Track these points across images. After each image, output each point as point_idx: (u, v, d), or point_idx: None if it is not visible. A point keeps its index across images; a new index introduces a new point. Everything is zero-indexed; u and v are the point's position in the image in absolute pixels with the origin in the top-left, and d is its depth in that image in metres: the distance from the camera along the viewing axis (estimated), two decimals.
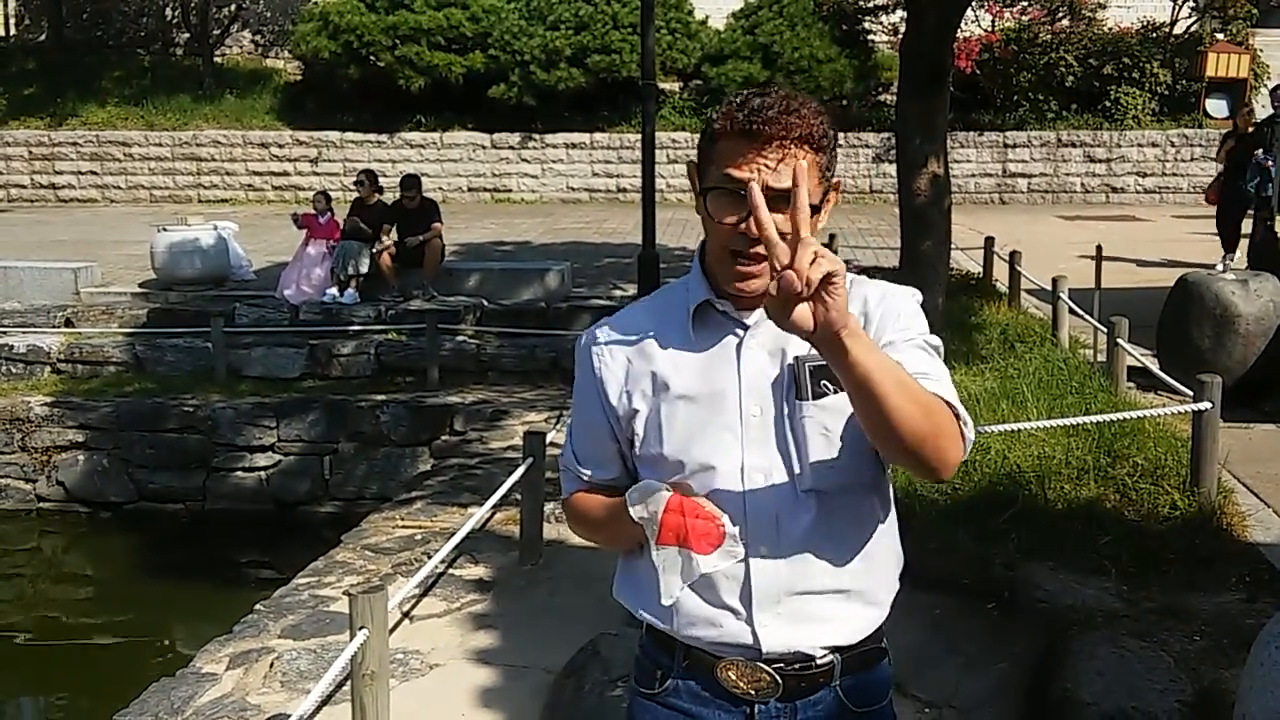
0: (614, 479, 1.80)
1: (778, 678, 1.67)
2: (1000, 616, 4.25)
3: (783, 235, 1.42)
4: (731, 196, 1.59)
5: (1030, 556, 4.57)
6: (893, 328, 1.65)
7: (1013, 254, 9.86)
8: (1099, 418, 5.44)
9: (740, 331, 1.68)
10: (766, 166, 1.57)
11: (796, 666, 1.67)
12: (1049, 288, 8.49)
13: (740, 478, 1.65)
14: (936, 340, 1.68)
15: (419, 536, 5.70)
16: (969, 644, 4.07)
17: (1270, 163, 10.46)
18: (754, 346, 1.67)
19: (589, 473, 1.81)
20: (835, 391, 1.61)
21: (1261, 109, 18.37)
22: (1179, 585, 4.33)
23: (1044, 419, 5.55)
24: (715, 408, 1.66)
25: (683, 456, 1.67)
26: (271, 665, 4.24)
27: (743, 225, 1.57)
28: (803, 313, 1.41)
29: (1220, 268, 10.09)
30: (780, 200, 1.52)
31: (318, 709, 3.76)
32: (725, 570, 1.64)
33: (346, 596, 3.45)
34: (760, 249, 1.53)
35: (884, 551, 1.73)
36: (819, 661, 1.68)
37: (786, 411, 1.64)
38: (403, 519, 6.05)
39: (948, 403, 1.57)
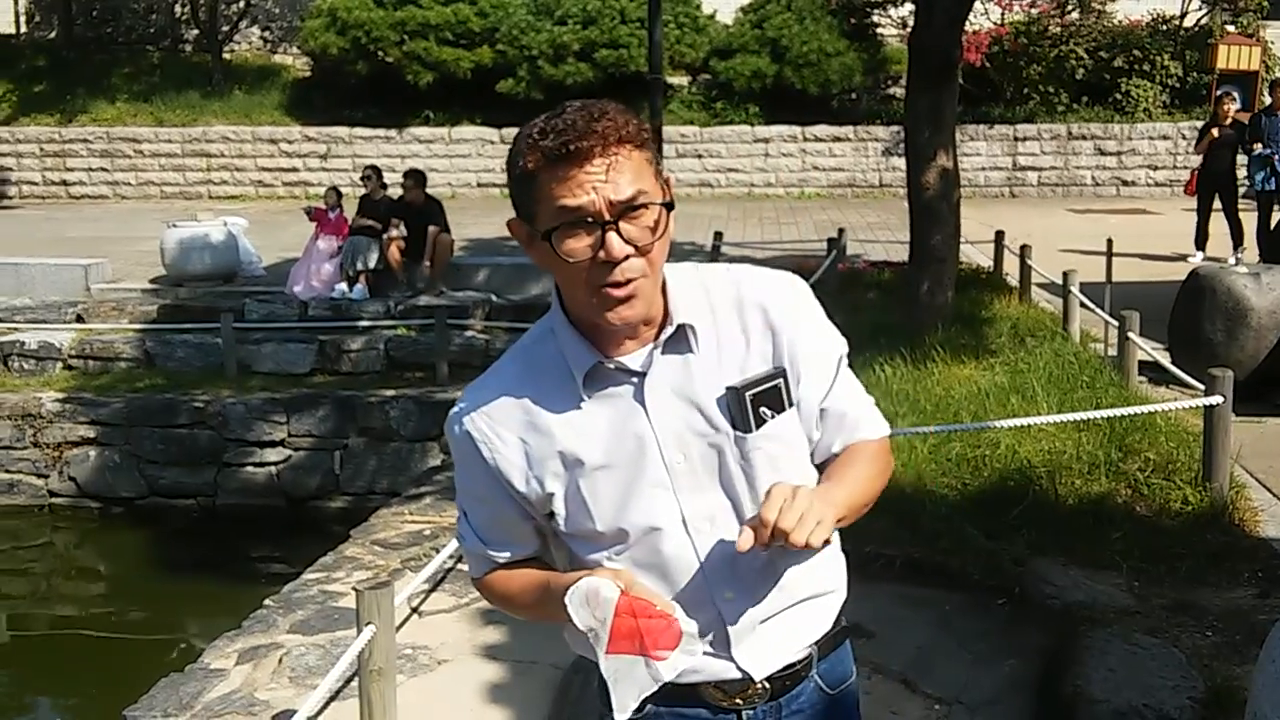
0: (532, 553, 1.68)
1: (766, 684, 1.66)
2: (1010, 612, 4.23)
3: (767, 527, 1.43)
4: (575, 228, 1.45)
5: (1040, 552, 4.55)
6: (812, 353, 1.59)
7: (1023, 247, 9.81)
8: (1110, 412, 5.41)
9: (635, 380, 1.55)
10: (599, 182, 1.43)
11: (782, 670, 1.66)
12: (1059, 281, 8.46)
13: (685, 530, 1.56)
14: (839, 340, 1.66)
15: (428, 531, 5.70)
16: (979, 640, 4.06)
17: (1276, 155, 10.41)
18: (655, 390, 1.54)
19: (502, 554, 1.67)
20: (774, 416, 1.55)
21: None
22: (1191, 581, 4.31)
23: (1054, 414, 5.53)
24: (637, 468, 1.54)
25: (618, 526, 1.56)
26: (280, 661, 4.24)
27: (600, 252, 1.44)
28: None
29: (1233, 260, 10.05)
30: (628, 211, 1.44)
31: (325, 704, 3.76)
32: (699, 627, 1.57)
33: (355, 592, 3.45)
34: (626, 268, 1.45)
35: (832, 538, 1.71)
36: (800, 659, 1.68)
37: (723, 445, 1.55)
38: (412, 514, 6.05)
39: (880, 438, 1.68)
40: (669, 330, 1.55)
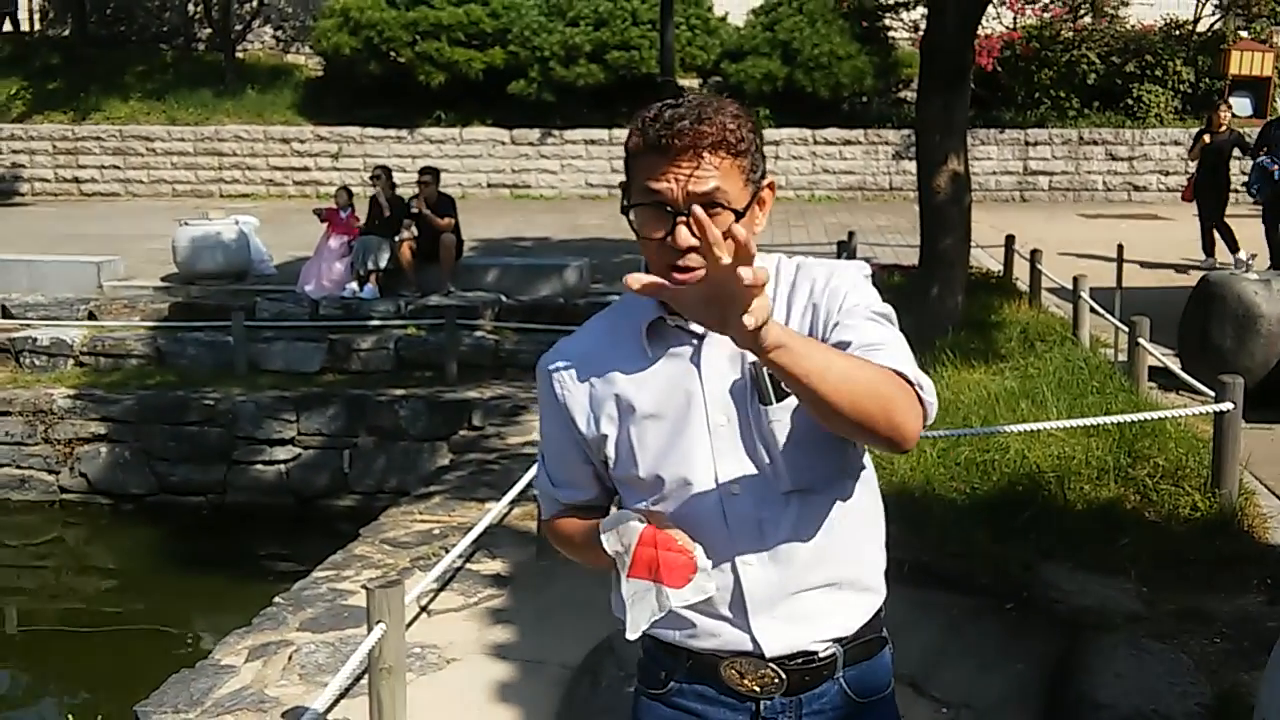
0: (592, 499, 1.80)
1: (782, 674, 1.67)
2: (1018, 617, 4.23)
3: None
4: (654, 210, 1.58)
5: (1049, 557, 4.56)
6: (839, 307, 1.63)
7: (1033, 252, 9.81)
8: (1119, 418, 5.41)
9: (695, 341, 1.66)
10: (683, 177, 1.56)
11: (800, 662, 1.68)
12: (1070, 286, 8.45)
13: (717, 489, 1.64)
14: (886, 308, 1.66)
15: (437, 531, 5.72)
16: (986, 644, 4.06)
17: (1276, 166, 10.36)
18: (711, 355, 1.65)
19: (566, 495, 1.81)
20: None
21: None
22: (1199, 587, 4.31)
23: (1064, 419, 5.53)
24: (682, 422, 1.65)
25: (658, 474, 1.66)
26: (290, 658, 4.27)
27: (668, 239, 1.57)
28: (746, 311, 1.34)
29: (1239, 264, 10.01)
30: (704, 207, 1.51)
31: (335, 702, 3.78)
32: (717, 582, 1.63)
33: (364, 590, 3.47)
34: (689, 259, 1.55)
35: (870, 535, 1.74)
36: (822, 655, 1.68)
37: (753, 416, 1.63)
38: (421, 513, 6.08)
39: (901, 373, 1.53)
40: None
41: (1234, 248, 11.21)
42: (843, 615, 1.70)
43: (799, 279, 1.68)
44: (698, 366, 1.65)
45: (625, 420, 1.68)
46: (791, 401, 1.59)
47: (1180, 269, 11.30)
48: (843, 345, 1.57)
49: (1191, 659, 3.66)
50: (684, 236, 1.55)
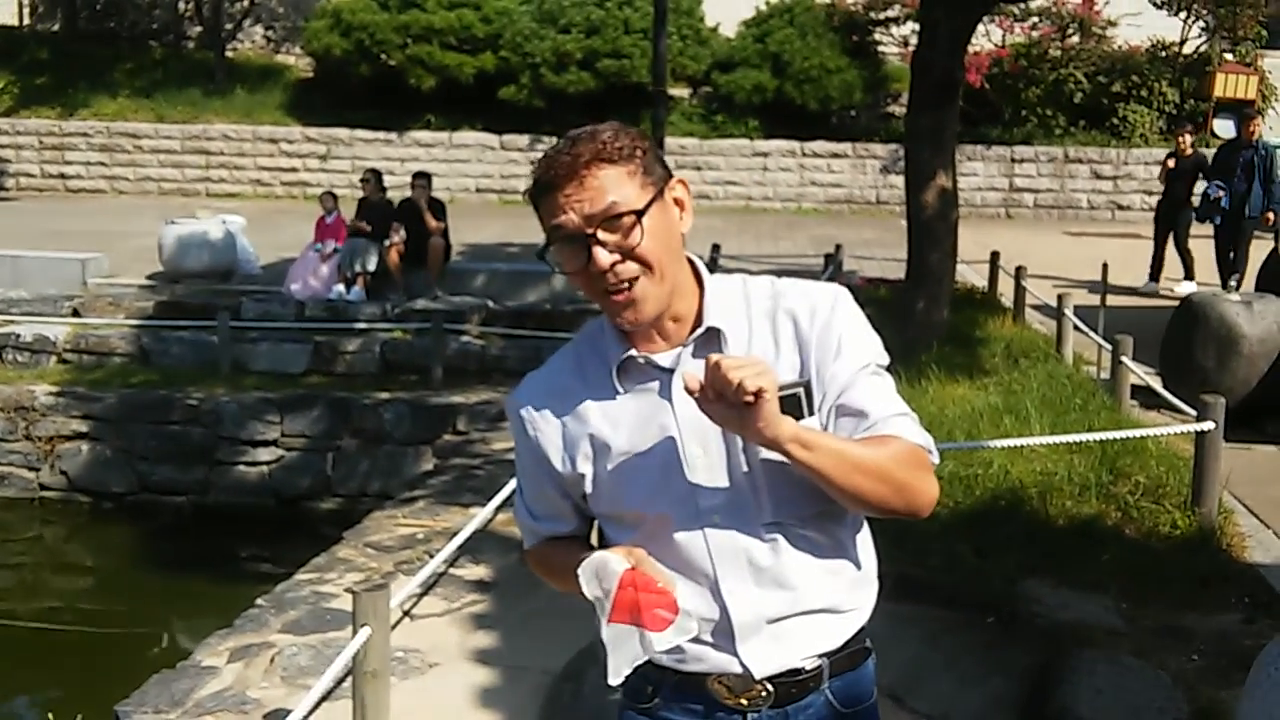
0: (573, 530, 1.80)
1: (770, 687, 1.68)
2: (999, 631, 4.26)
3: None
4: (567, 245, 1.59)
5: (1030, 572, 4.59)
6: (836, 359, 1.62)
7: (1018, 269, 9.87)
8: (1102, 435, 5.45)
9: (665, 376, 1.65)
10: (576, 203, 1.56)
11: (786, 676, 1.68)
12: (1054, 304, 8.51)
13: (698, 521, 1.64)
14: (881, 354, 1.66)
15: (421, 535, 5.71)
16: (967, 658, 4.09)
17: (1221, 193, 10.48)
18: (682, 389, 1.60)
19: (546, 528, 1.81)
20: (798, 419, 1.57)
21: (1269, 129, 18.40)
22: (1178, 604, 4.35)
23: (1047, 435, 5.57)
24: (659, 457, 1.64)
25: (639, 510, 1.66)
26: (272, 660, 4.26)
27: (590, 266, 1.57)
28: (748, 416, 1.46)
29: (1182, 289, 10.07)
30: (605, 223, 1.55)
31: (318, 705, 3.77)
32: (702, 613, 1.63)
33: (348, 593, 3.47)
34: (620, 273, 1.57)
35: (860, 561, 1.73)
36: (808, 670, 1.69)
37: (739, 445, 1.61)
38: (405, 517, 6.07)
39: (916, 444, 1.59)
40: (699, 332, 1.65)
41: (1189, 275, 11.13)
42: (829, 634, 1.70)
43: (779, 311, 1.66)
44: (669, 400, 1.64)
45: (601, 458, 1.67)
46: None
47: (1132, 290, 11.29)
48: (858, 414, 1.60)
49: (1170, 675, 3.70)
50: (601, 256, 1.56)
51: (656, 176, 1.62)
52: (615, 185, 1.57)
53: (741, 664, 1.66)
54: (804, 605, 1.66)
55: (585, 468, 1.69)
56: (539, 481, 1.77)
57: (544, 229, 1.63)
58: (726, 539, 1.63)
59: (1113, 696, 3.48)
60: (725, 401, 1.47)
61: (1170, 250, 11.47)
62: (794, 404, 1.57)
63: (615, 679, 1.61)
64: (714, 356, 1.48)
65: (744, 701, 1.69)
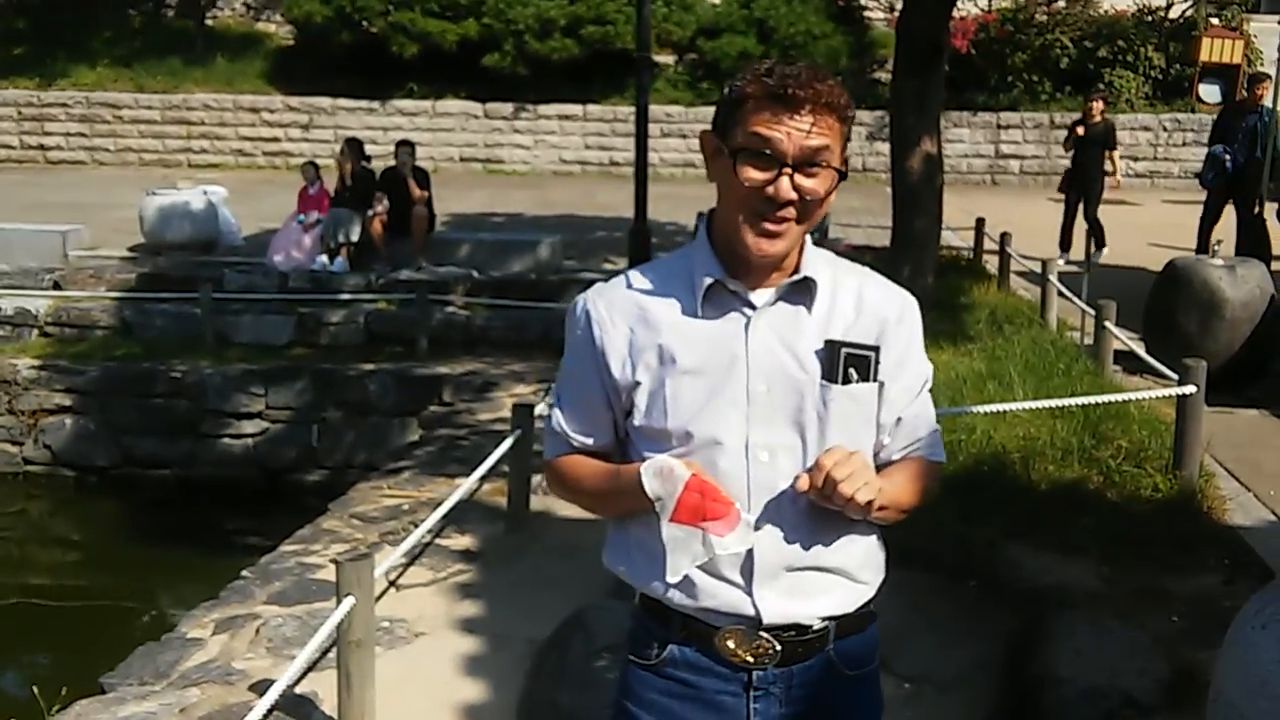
0: (604, 445, 1.80)
1: (777, 644, 1.69)
2: (982, 594, 4.29)
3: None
4: (761, 157, 1.60)
5: (1012, 536, 4.61)
6: (905, 370, 1.75)
7: (1003, 235, 9.87)
8: (1084, 400, 5.47)
9: (749, 311, 1.69)
10: (799, 129, 1.59)
11: (793, 634, 1.70)
12: (1038, 270, 8.52)
13: (745, 454, 1.67)
14: (929, 369, 1.81)
15: (406, 506, 5.71)
16: (950, 621, 4.11)
17: (1227, 157, 10.26)
18: (762, 326, 1.68)
19: (579, 438, 1.81)
20: (860, 381, 1.67)
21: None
22: (1159, 567, 4.38)
23: (1030, 400, 5.59)
24: (721, 383, 1.67)
25: (688, 430, 1.67)
26: (258, 631, 4.26)
27: (770, 188, 1.60)
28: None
29: (1095, 260, 9.90)
30: (808, 164, 1.60)
31: (303, 675, 3.78)
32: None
33: (333, 564, 3.47)
34: (785, 211, 1.61)
35: (874, 538, 1.78)
36: (815, 629, 1.71)
37: (811, 391, 1.67)
38: (390, 488, 6.07)
39: (938, 460, 1.80)
40: (795, 278, 1.70)
41: (1100, 245, 10.91)
42: (839, 597, 1.73)
43: (865, 291, 1.75)
44: (747, 332, 1.67)
45: (663, 371, 1.69)
46: (855, 389, 1.67)
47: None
48: (913, 434, 1.77)
49: (1150, 637, 3.73)
50: (785, 187, 1.60)
51: (846, 146, 1.69)
52: (834, 137, 1.62)
53: (754, 606, 1.68)
54: (825, 562, 1.70)
55: (644, 377, 1.70)
56: (587, 388, 1.76)
57: (733, 126, 1.63)
58: (768, 477, 1.67)
59: (1093, 658, 3.51)
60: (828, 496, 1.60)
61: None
62: (865, 364, 1.68)
63: (674, 577, 1.65)
64: (825, 463, 1.59)
65: (750, 659, 1.70)
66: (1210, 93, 18.16)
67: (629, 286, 1.75)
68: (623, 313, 1.73)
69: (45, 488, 9.36)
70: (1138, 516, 4.80)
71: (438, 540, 5.13)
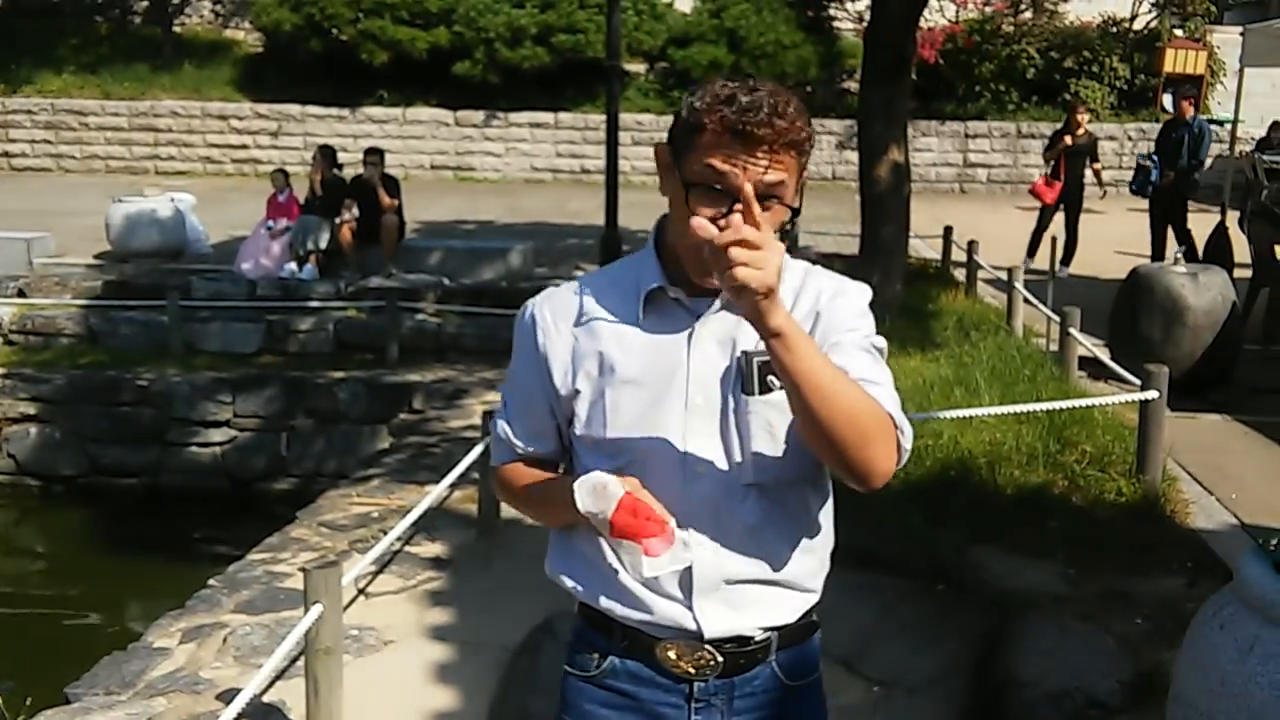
0: (550, 453, 1.79)
1: (718, 656, 1.68)
2: (949, 598, 4.33)
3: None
4: (713, 193, 1.56)
5: (979, 540, 4.66)
6: (841, 327, 1.64)
7: (970, 243, 9.97)
8: (1050, 405, 5.54)
9: (691, 320, 1.65)
10: (755, 167, 1.55)
11: (735, 645, 1.68)
12: (1004, 277, 8.61)
13: (681, 467, 1.64)
14: (882, 342, 1.69)
15: (376, 514, 5.69)
16: (918, 624, 4.15)
17: (1149, 164, 10.62)
18: (705, 336, 1.65)
19: (524, 446, 1.79)
20: (782, 388, 1.57)
21: (1217, 105, 18.67)
22: (1122, 570, 4.44)
23: (996, 406, 5.64)
24: (661, 394, 1.64)
25: (625, 442, 1.65)
26: (225, 640, 4.23)
27: (721, 222, 1.51)
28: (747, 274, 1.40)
29: (1061, 274, 10.00)
30: (760, 199, 1.52)
31: (271, 683, 3.76)
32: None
33: (301, 572, 3.45)
34: (734, 252, 1.52)
35: (819, 540, 1.74)
36: (758, 640, 1.70)
37: (731, 405, 1.63)
38: (360, 496, 6.04)
39: (887, 412, 1.56)
40: None
41: (1069, 258, 10.94)
42: (781, 608, 1.71)
43: (806, 283, 1.68)
44: (689, 342, 1.65)
45: (603, 380, 1.66)
46: (773, 397, 1.58)
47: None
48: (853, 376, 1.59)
49: (1114, 638, 3.77)
50: (739, 225, 1.48)
51: (802, 174, 1.63)
52: (790, 172, 1.58)
53: (695, 620, 1.66)
54: (766, 573, 1.67)
55: (585, 386, 1.68)
56: (531, 395, 1.74)
57: (693, 154, 1.58)
58: (705, 491, 1.64)
59: (1058, 660, 3.55)
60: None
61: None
62: (766, 372, 1.56)
63: (636, 576, 1.64)
64: (744, 229, 1.42)
65: (692, 670, 1.68)
66: (1174, 103, 18.46)
67: (575, 293, 1.73)
68: (567, 320, 1.71)
69: (10, 497, 9.24)
70: (1102, 520, 4.86)
71: (408, 548, 5.12)
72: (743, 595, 1.67)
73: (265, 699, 3.70)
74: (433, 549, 5.15)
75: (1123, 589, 4.27)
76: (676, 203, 1.63)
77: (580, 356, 1.69)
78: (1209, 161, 17.99)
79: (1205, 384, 7.08)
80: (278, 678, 3.80)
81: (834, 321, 1.64)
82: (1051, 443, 5.45)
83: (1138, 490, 5.09)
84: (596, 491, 1.60)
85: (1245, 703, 2.25)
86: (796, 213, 1.60)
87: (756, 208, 1.44)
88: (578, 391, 1.69)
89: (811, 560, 1.73)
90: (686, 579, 1.65)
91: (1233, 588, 2.41)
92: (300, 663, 3.59)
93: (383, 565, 4.86)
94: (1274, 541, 2.38)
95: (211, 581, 4.84)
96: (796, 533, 1.70)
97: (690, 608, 1.66)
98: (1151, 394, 5.14)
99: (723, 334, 1.64)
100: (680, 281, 1.66)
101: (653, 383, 1.64)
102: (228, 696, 3.63)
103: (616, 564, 1.66)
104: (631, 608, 1.68)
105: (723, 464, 1.64)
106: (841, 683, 3.77)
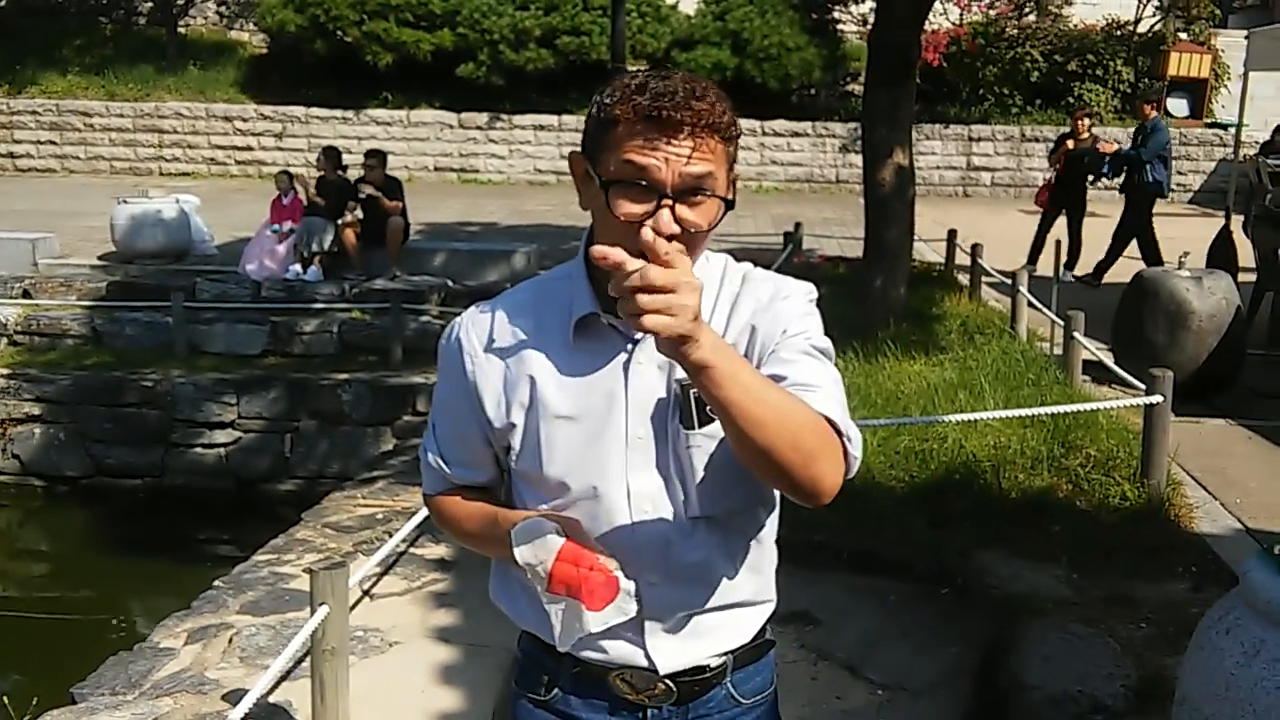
0: (486, 481, 1.67)
1: (673, 685, 1.62)
2: (953, 602, 4.33)
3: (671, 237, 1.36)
4: (636, 188, 1.42)
5: (983, 544, 4.66)
6: (781, 333, 1.52)
7: (974, 246, 9.97)
8: (1054, 409, 5.53)
9: (628, 346, 1.53)
10: (677, 155, 1.41)
11: (690, 675, 1.63)
12: (1009, 280, 8.61)
13: (627, 504, 1.54)
14: (826, 343, 1.56)
15: (380, 515, 5.70)
16: (922, 628, 4.15)
17: (1106, 167, 10.68)
18: (643, 361, 1.52)
19: (457, 474, 1.66)
20: (686, 427, 1.50)
21: (1221, 109, 18.66)
22: (1127, 574, 4.43)
23: (1000, 409, 5.64)
24: (599, 429, 1.52)
25: (565, 480, 1.54)
26: (230, 641, 4.24)
27: (649, 223, 1.38)
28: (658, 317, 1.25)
29: (1066, 277, 10.02)
30: (690, 193, 1.42)
31: (277, 684, 3.77)
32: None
33: (307, 573, 3.45)
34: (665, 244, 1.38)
35: (768, 554, 1.68)
36: (713, 666, 1.64)
37: (671, 436, 1.52)
38: (364, 498, 6.05)
39: (831, 420, 1.43)
40: None
41: (1073, 262, 10.93)
42: (739, 629, 1.65)
43: (743, 292, 1.56)
44: (625, 373, 1.52)
45: (537, 415, 1.54)
46: (715, 429, 1.46)
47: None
48: (777, 379, 1.45)
49: (1118, 643, 3.78)
50: (666, 223, 1.40)
51: (735, 168, 1.51)
52: (718, 161, 1.45)
53: (648, 658, 1.59)
54: (719, 601, 1.61)
55: (518, 418, 1.55)
56: (462, 422, 1.61)
57: (608, 153, 1.44)
58: (651, 527, 1.54)
59: (1062, 664, 3.55)
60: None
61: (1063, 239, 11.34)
62: (705, 403, 1.41)
63: (564, 646, 1.56)
64: (651, 272, 1.26)
65: (645, 699, 1.62)
66: (1179, 107, 18.46)
67: (502, 316, 1.59)
68: (497, 346, 1.57)
69: (15, 498, 9.26)
70: (1106, 524, 4.85)
71: (412, 549, 5.12)
72: (697, 625, 1.61)
73: (271, 700, 3.71)
74: (437, 550, 5.16)
75: (1127, 593, 4.27)
76: (599, 215, 1.47)
77: (512, 386, 1.56)
78: (1213, 165, 18.04)
79: (1210, 388, 7.07)
80: (283, 678, 3.81)
81: (774, 328, 1.52)
82: (1056, 447, 5.45)
83: (1142, 494, 5.09)
84: (535, 543, 1.50)
85: (1251, 707, 2.26)
86: (730, 205, 1.46)
87: (664, 246, 1.27)
88: (513, 425, 1.56)
89: (763, 575, 1.67)
90: (637, 619, 1.57)
91: (1238, 592, 2.42)
92: (306, 664, 3.60)
93: (387, 567, 4.87)
94: (1279, 546, 2.39)
95: (217, 582, 4.84)
96: (749, 554, 1.63)
97: (643, 645, 1.59)
98: (1156, 398, 5.14)
99: (661, 357, 1.45)
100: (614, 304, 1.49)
101: (590, 417, 1.52)
102: (233, 697, 3.64)
103: (556, 624, 1.54)
104: (582, 648, 1.59)
105: (668, 499, 1.54)
106: (845, 686, 3.78)
